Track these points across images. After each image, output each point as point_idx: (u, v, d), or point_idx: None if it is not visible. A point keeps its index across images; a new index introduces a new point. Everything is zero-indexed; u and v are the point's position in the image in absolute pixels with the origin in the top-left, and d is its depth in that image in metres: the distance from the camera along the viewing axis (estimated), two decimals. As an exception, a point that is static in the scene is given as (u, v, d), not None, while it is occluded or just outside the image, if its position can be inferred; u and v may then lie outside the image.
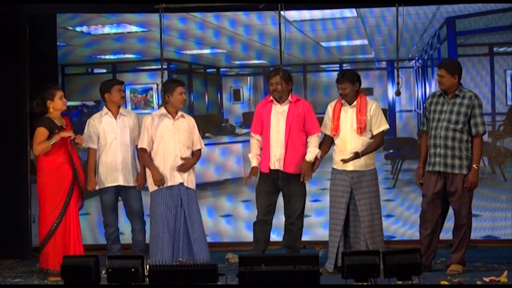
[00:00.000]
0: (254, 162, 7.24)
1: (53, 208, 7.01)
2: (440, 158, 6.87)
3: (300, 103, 7.23)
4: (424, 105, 7.13)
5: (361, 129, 6.88)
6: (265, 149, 7.22)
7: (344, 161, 6.84)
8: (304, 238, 7.56)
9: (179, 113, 7.17)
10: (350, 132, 6.92)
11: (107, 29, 9.46)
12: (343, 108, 6.99)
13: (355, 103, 6.94)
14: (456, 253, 6.94)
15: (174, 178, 7.06)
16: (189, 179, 7.13)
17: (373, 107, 6.93)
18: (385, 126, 6.97)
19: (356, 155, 6.83)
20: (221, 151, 9.57)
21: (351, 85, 6.92)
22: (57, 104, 7.09)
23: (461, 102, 6.87)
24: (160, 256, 6.86)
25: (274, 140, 7.15)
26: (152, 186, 7.10)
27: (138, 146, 7.18)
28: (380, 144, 7.02)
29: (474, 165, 6.83)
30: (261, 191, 7.27)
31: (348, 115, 6.95)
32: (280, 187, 7.22)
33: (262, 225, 7.28)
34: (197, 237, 7.05)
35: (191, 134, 7.19)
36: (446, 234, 7.19)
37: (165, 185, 7.04)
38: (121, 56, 9.93)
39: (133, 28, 9.47)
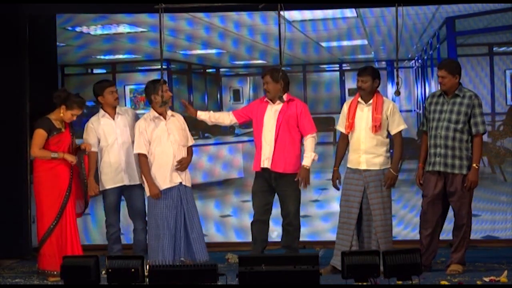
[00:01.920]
0: (200, 113, 7.36)
1: (49, 208, 7.02)
2: (440, 158, 6.87)
3: (294, 103, 7.23)
4: (424, 105, 7.13)
5: (376, 128, 6.86)
6: (257, 148, 7.25)
7: (388, 186, 6.90)
8: (305, 237, 7.56)
9: (169, 113, 7.18)
10: (365, 130, 6.90)
11: (106, 30, 9.46)
12: (359, 106, 6.97)
13: (371, 101, 6.93)
14: (456, 253, 6.95)
15: (174, 179, 7.07)
16: (186, 178, 7.15)
17: (390, 106, 6.93)
18: (403, 125, 6.97)
19: (392, 176, 6.87)
20: (223, 150, 9.59)
21: (371, 79, 6.91)
22: (66, 115, 7.09)
23: (461, 101, 6.87)
24: (161, 257, 6.86)
25: (265, 139, 7.18)
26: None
27: (135, 151, 7.14)
28: (402, 144, 6.98)
29: (474, 165, 6.83)
30: (256, 191, 7.30)
31: (364, 113, 6.94)
32: (274, 186, 7.23)
33: (259, 225, 7.28)
34: (196, 236, 7.07)
35: (184, 131, 7.20)
36: (447, 234, 7.19)
37: (164, 187, 7.04)
38: (121, 56, 9.93)
39: (133, 28, 9.47)
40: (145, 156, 7.09)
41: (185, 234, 7.07)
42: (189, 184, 7.19)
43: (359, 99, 6.98)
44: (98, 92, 7.39)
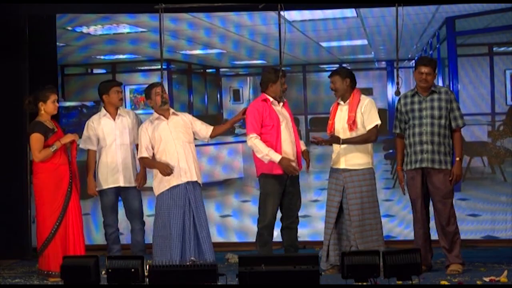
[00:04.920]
0: (278, 155, 6.94)
1: (52, 210, 7.01)
2: (427, 155, 6.86)
3: (287, 104, 7.26)
4: (396, 107, 7.08)
5: (351, 126, 6.84)
6: (279, 149, 7.06)
7: (318, 142, 6.81)
8: (306, 238, 7.56)
9: (171, 112, 7.18)
10: (342, 130, 6.90)
11: (106, 30, 9.46)
12: (339, 107, 7.00)
13: (348, 100, 6.95)
14: (452, 252, 6.92)
15: (180, 177, 7.04)
16: (195, 174, 7.10)
17: (365, 103, 6.89)
18: (377, 121, 6.89)
19: (335, 138, 6.78)
20: (224, 151, 9.59)
21: (340, 79, 6.91)
22: (48, 107, 7.08)
23: (439, 97, 6.88)
24: (169, 257, 6.83)
25: (288, 140, 7.10)
26: (158, 189, 7.08)
27: (139, 156, 7.16)
28: (369, 138, 6.89)
29: (458, 158, 6.84)
30: (274, 193, 7.11)
31: (342, 113, 6.95)
32: (287, 186, 7.18)
33: (271, 229, 7.22)
34: (205, 235, 7.05)
35: (188, 128, 7.19)
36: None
37: (172, 185, 7.03)
38: (121, 56, 9.93)
39: (133, 28, 9.47)
40: (147, 158, 7.10)
41: (195, 233, 7.04)
42: (199, 181, 7.15)
43: (339, 100, 7.00)
44: (103, 91, 7.39)
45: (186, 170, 7.05)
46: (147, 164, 7.15)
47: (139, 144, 7.14)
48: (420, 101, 6.91)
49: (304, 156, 7.19)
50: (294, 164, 6.98)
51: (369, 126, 6.88)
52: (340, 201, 6.91)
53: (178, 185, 7.03)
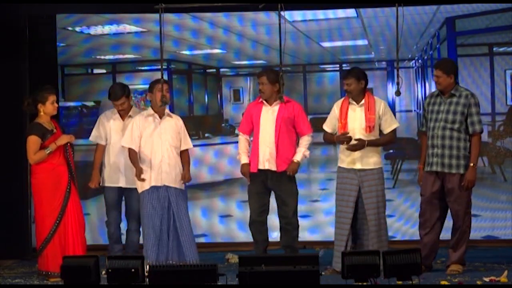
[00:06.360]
0: (245, 159, 7.25)
1: (51, 210, 7.01)
2: (437, 158, 6.87)
3: (291, 105, 7.24)
4: (423, 105, 7.15)
5: (371, 128, 6.89)
6: (253, 149, 7.24)
7: (349, 148, 6.82)
8: (307, 233, 7.56)
9: (166, 113, 7.17)
10: (359, 131, 6.91)
11: (107, 29, 9.45)
12: (350, 107, 6.98)
13: (363, 101, 6.95)
14: (456, 252, 6.94)
15: (161, 180, 7.03)
16: (177, 180, 7.09)
17: (382, 106, 6.97)
18: (396, 124, 7.03)
19: (362, 143, 6.82)
20: (229, 150, 9.59)
21: (356, 81, 6.93)
22: (48, 109, 7.08)
23: (458, 101, 6.88)
24: (145, 257, 6.80)
25: (263, 141, 7.17)
26: (140, 188, 7.08)
27: (125, 145, 7.10)
28: (390, 141, 7.11)
29: (472, 164, 6.83)
30: (252, 192, 7.30)
31: (357, 114, 6.95)
32: (270, 187, 7.22)
33: (257, 226, 7.28)
34: (186, 238, 7.03)
35: (178, 134, 7.17)
36: (447, 233, 7.18)
37: (150, 185, 7.01)
38: (121, 56, 9.92)
39: (133, 28, 9.46)
40: (133, 150, 7.06)
41: (176, 236, 7.04)
42: (180, 186, 7.12)
43: (350, 100, 6.99)
44: (113, 97, 7.41)
45: (167, 174, 7.04)
46: (132, 158, 7.07)
47: (129, 133, 7.07)
48: (440, 103, 6.94)
49: (289, 164, 7.14)
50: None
51: (388, 129, 6.98)
52: (355, 201, 6.91)
53: (158, 187, 7.03)
